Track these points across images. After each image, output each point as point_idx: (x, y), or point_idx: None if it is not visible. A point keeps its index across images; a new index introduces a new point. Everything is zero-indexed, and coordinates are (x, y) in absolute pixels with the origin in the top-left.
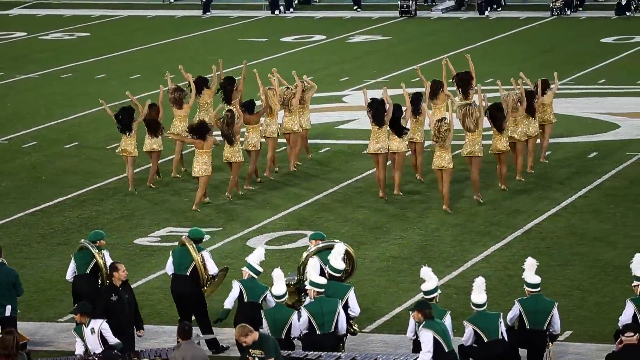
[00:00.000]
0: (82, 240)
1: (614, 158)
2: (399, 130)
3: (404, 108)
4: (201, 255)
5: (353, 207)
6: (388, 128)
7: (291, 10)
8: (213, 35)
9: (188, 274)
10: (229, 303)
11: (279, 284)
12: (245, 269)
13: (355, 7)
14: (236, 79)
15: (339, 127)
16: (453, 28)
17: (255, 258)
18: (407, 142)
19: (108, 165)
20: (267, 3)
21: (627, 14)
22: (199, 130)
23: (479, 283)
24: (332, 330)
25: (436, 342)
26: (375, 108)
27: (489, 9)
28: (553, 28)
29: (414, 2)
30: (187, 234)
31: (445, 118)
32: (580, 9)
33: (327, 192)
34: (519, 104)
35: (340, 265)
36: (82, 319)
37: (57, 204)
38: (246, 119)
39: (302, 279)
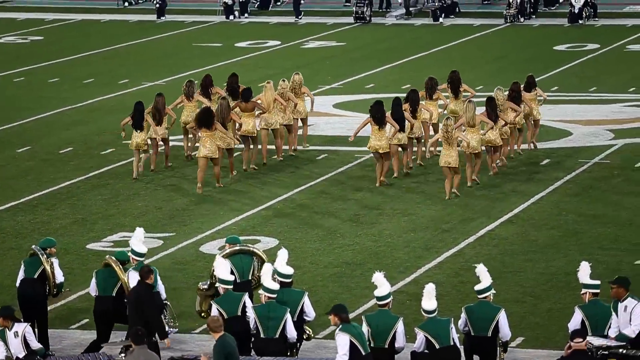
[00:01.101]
0: (33, 246)
1: (566, 165)
2: (401, 122)
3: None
4: (127, 275)
5: (308, 212)
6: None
7: (246, 15)
8: (167, 40)
9: (113, 294)
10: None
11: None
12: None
13: (298, 17)
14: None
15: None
16: (407, 34)
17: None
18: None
19: (61, 170)
20: (222, 8)
21: (580, 22)
22: (203, 119)
23: (429, 289)
24: (277, 336)
25: (352, 345)
26: (376, 109)
27: (442, 15)
28: (506, 35)
29: (368, 9)
30: (112, 255)
31: (451, 117)
32: (534, 16)
33: (282, 197)
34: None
35: (288, 270)
36: (4, 322)
37: (9, 208)
38: (242, 106)
39: (214, 282)
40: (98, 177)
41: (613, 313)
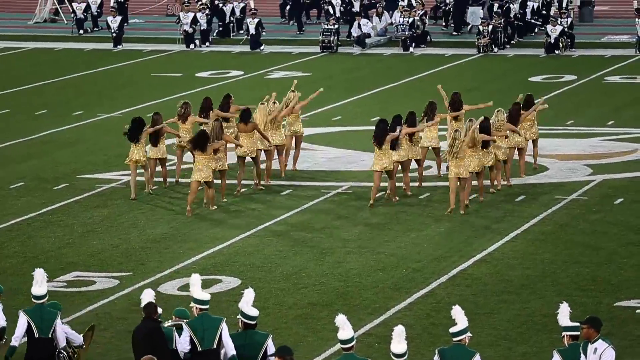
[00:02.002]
0: None
1: (542, 202)
2: (392, 144)
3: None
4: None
5: (271, 250)
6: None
7: (207, 44)
8: (124, 69)
9: (50, 335)
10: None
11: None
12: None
13: (261, 48)
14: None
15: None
16: (376, 64)
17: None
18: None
19: (11, 206)
20: (182, 36)
21: (557, 52)
22: (199, 142)
23: (399, 332)
24: (215, 346)
25: None
26: (378, 128)
27: (413, 45)
28: (480, 66)
29: (335, 38)
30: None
31: (459, 130)
32: (508, 46)
33: (244, 234)
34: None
35: (253, 312)
36: None
37: None
38: (240, 127)
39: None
40: (51, 213)
41: (582, 355)
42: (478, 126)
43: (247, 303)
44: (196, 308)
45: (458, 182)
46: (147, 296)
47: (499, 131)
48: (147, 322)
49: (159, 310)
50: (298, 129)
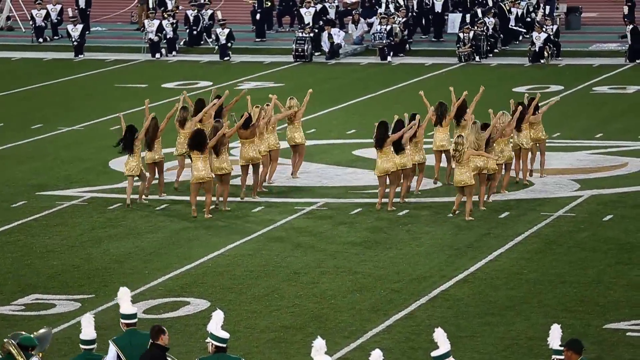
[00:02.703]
0: None
1: (527, 219)
2: (398, 147)
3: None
4: None
5: (242, 271)
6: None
7: (174, 53)
8: (86, 80)
9: None
10: None
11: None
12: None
13: (226, 58)
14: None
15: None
16: (352, 74)
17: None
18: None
19: None
20: (147, 45)
21: (542, 61)
22: (196, 142)
23: (377, 356)
24: None
25: None
26: (378, 130)
27: (391, 54)
28: (461, 76)
29: (309, 46)
30: (11, 339)
31: (462, 135)
32: (491, 55)
33: (214, 254)
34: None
35: (223, 334)
36: None
37: None
38: (241, 132)
39: None
40: (8, 232)
41: None
42: (480, 129)
43: (216, 325)
44: (122, 323)
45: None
46: (86, 323)
47: (503, 135)
48: (153, 349)
49: (164, 336)
50: (298, 138)
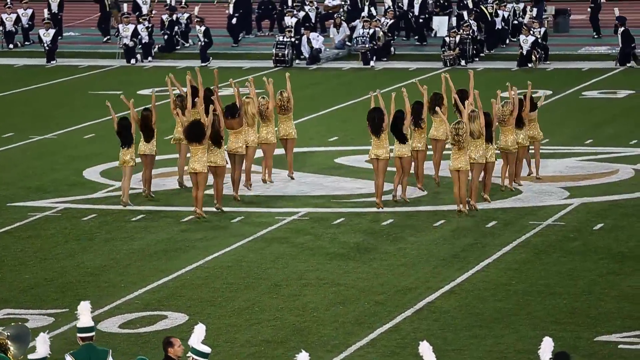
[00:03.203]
0: None
1: (515, 228)
2: (401, 136)
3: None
4: None
5: (221, 283)
6: (391, 133)
7: (149, 59)
8: (59, 86)
9: None
10: None
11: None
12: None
13: (205, 63)
14: (212, 88)
15: (205, 193)
16: (334, 79)
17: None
18: (410, 148)
19: None
20: (122, 51)
21: (530, 65)
22: (193, 133)
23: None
24: None
25: None
26: (372, 118)
27: (374, 58)
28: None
29: (290, 51)
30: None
31: (462, 121)
32: (477, 59)
33: (192, 266)
34: (510, 115)
35: (206, 349)
36: None
37: None
38: (228, 123)
39: None
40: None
41: None
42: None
43: (198, 339)
44: (78, 337)
45: (459, 176)
46: (40, 344)
47: (502, 124)
48: None
49: (173, 348)
50: (289, 131)
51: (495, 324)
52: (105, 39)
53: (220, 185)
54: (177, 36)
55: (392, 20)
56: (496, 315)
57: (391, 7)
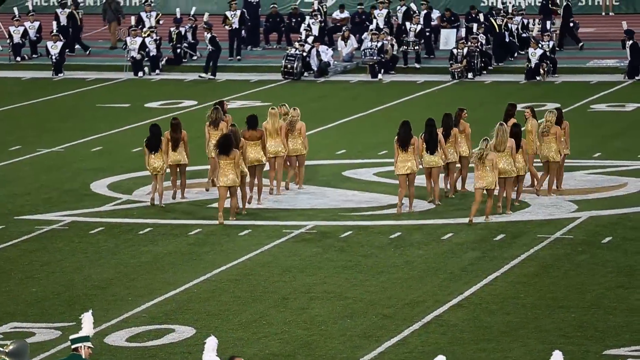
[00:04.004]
0: None
1: (523, 241)
2: (433, 146)
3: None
4: None
5: (229, 297)
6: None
7: (157, 71)
8: (66, 99)
9: None
10: None
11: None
12: None
13: (205, 75)
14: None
15: (212, 206)
16: (342, 93)
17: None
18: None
19: None
20: (129, 64)
21: (538, 78)
22: (224, 146)
23: None
24: None
25: None
26: (402, 133)
27: (382, 71)
28: (454, 93)
29: (299, 64)
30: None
31: (487, 139)
32: (485, 72)
33: (200, 279)
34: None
35: None
36: None
37: None
38: (247, 134)
39: None
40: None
41: None
42: (507, 130)
43: (210, 353)
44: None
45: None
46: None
47: (545, 134)
48: None
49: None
50: (299, 147)
51: (503, 338)
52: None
53: (234, 200)
54: (184, 48)
55: (419, 26)
56: (504, 328)
57: (416, 12)
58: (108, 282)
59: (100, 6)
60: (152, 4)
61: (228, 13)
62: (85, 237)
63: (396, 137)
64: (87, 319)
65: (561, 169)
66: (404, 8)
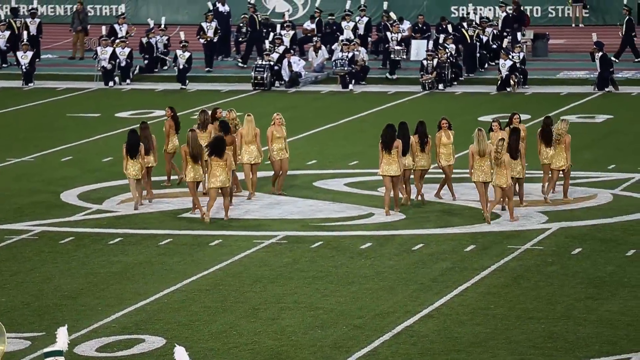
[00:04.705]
0: None
1: (493, 252)
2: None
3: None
4: None
5: (199, 307)
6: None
7: (128, 81)
8: (36, 109)
9: None
10: None
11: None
12: None
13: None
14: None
15: (183, 216)
16: (312, 103)
17: None
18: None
19: None
20: (100, 73)
21: (508, 89)
22: (216, 148)
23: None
24: None
25: None
26: (385, 134)
27: (352, 82)
28: (425, 104)
29: (269, 74)
30: None
31: (504, 139)
32: (455, 83)
33: (170, 289)
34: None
35: None
36: None
37: None
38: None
39: None
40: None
41: None
42: (485, 135)
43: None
44: None
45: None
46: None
47: (557, 141)
48: None
49: None
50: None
51: (473, 349)
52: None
53: (227, 201)
54: (159, 54)
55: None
56: (474, 339)
57: (396, 20)
58: (78, 292)
59: (68, 16)
60: (125, 17)
61: (204, 24)
62: (55, 247)
63: (380, 140)
64: (62, 333)
65: (567, 179)
66: (365, 19)
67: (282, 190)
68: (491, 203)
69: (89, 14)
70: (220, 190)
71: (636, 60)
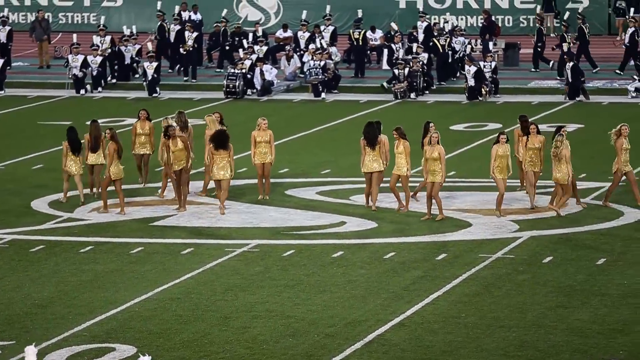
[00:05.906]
0: None
1: (464, 261)
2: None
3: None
4: None
5: (171, 315)
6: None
7: (99, 89)
8: (7, 117)
9: None
10: None
11: None
12: None
13: (154, 95)
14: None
15: (155, 224)
16: (285, 111)
17: None
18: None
19: None
20: (71, 81)
21: (480, 98)
22: (220, 140)
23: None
24: None
25: None
26: (368, 131)
27: (325, 90)
28: (397, 113)
29: (241, 83)
30: None
31: (563, 134)
32: (427, 92)
33: (142, 297)
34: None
35: None
36: None
37: None
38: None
39: None
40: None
41: None
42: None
43: None
44: None
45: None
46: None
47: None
48: None
49: None
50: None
51: (445, 357)
52: None
53: (225, 194)
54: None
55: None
56: (446, 348)
57: (398, 31)
58: (48, 300)
59: (28, 24)
60: (106, 28)
61: (186, 34)
62: (26, 255)
63: (363, 137)
64: (31, 351)
65: (575, 187)
66: (331, 28)
67: (268, 195)
68: (561, 199)
69: (60, 22)
70: (220, 183)
71: (594, 71)
